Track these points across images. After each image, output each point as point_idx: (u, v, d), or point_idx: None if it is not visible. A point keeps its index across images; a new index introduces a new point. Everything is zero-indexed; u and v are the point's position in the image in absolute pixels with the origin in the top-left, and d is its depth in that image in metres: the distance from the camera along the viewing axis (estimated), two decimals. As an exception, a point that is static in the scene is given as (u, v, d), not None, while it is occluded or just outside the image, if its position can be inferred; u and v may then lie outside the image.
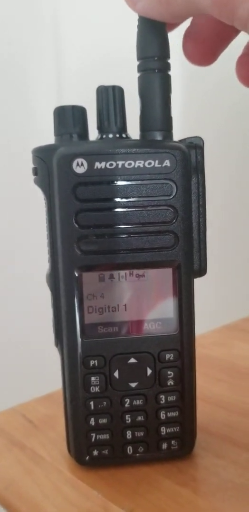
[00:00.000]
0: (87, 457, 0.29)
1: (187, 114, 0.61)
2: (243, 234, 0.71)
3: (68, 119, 0.27)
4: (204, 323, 0.53)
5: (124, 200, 0.26)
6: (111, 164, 0.26)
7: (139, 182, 0.26)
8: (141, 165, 0.26)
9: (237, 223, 0.70)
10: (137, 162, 0.26)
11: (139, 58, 0.28)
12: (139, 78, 0.28)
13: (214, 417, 0.35)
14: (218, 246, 0.68)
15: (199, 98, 0.64)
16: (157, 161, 0.26)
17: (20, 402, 0.38)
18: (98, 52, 0.50)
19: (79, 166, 0.26)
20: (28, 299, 0.46)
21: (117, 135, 0.28)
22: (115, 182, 0.26)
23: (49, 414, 0.36)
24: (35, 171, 0.27)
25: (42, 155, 0.27)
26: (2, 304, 0.46)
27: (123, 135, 0.28)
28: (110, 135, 0.28)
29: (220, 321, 0.57)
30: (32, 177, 0.28)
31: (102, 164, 0.26)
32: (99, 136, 0.28)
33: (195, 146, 0.28)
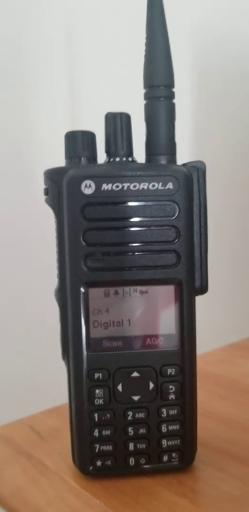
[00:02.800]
0: (91, 467, 0.30)
1: (196, 139, 0.63)
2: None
3: (78, 143, 0.29)
4: (210, 341, 0.54)
5: (129, 220, 0.28)
6: (117, 186, 0.27)
7: (143, 203, 0.28)
8: (145, 187, 0.28)
9: (245, 241, 0.71)
10: (142, 184, 0.28)
11: (145, 86, 0.29)
12: (145, 105, 0.30)
13: (215, 433, 0.36)
14: (225, 265, 0.69)
15: (208, 124, 0.66)
16: (160, 184, 0.28)
17: (27, 414, 0.40)
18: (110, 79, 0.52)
19: (88, 188, 0.27)
20: (36, 312, 0.47)
21: (124, 159, 0.29)
22: (121, 203, 0.28)
23: (55, 426, 0.38)
24: (46, 191, 0.29)
25: (53, 176, 0.28)
26: (10, 316, 0.47)
27: (130, 159, 0.29)
28: (118, 159, 0.29)
29: (225, 339, 0.58)
30: (42, 197, 0.29)
31: (109, 186, 0.27)
32: (107, 160, 0.30)
33: (197, 169, 0.29)
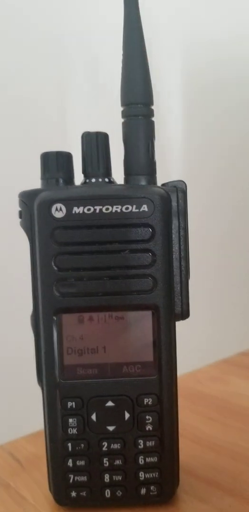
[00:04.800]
0: (66, 498, 0.29)
1: (187, 156, 0.61)
2: (237, 266, 0.70)
3: (53, 164, 0.28)
4: (202, 356, 0.52)
5: (102, 244, 0.27)
6: (89, 209, 0.26)
7: (116, 227, 0.27)
8: (118, 210, 0.27)
9: (232, 257, 0.69)
10: (114, 207, 0.27)
11: (122, 104, 0.28)
12: (123, 123, 0.29)
13: (202, 460, 0.34)
14: (213, 279, 0.66)
15: (198, 140, 0.64)
16: (134, 206, 0.27)
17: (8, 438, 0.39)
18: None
19: (58, 211, 0.26)
20: (18, 335, 0.46)
21: (101, 180, 0.28)
22: (93, 226, 0.27)
23: (36, 453, 0.36)
24: (20, 214, 0.28)
25: (25, 199, 0.28)
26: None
27: (107, 180, 0.28)
28: (94, 180, 0.28)
29: (216, 355, 0.56)
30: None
31: (80, 209, 0.26)
32: (84, 181, 0.29)
33: (177, 190, 0.28)
